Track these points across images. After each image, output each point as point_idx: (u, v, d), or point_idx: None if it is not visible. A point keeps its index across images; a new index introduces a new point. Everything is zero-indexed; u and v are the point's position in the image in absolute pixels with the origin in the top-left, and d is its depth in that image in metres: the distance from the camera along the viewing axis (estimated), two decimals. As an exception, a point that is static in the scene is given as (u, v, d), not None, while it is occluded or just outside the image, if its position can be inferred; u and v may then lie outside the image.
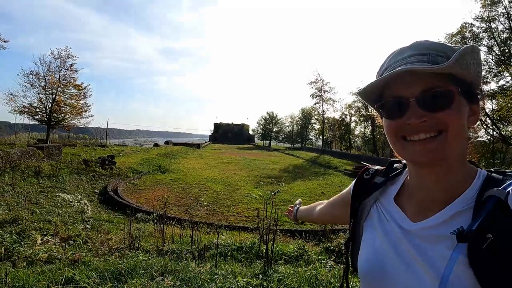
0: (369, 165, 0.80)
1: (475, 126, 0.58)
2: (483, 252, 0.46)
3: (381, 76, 0.59)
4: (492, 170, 0.58)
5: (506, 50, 18.39)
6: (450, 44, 0.56)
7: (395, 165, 0.73)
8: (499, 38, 18.34)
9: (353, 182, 0.80)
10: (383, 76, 0.55)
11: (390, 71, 0.56)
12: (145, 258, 3.09)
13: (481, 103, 0.58)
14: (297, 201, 1.33)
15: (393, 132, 0.57)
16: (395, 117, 0.56)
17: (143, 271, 2.66)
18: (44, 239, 3.76)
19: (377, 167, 0.77)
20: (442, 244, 0.52)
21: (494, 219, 0.47)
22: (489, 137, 18.30)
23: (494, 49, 18.78)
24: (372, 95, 0.61)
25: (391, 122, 0.57)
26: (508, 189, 0.49)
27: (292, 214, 1.24)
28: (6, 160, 10.07)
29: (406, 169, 0.69)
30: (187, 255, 3.69)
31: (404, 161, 0.71)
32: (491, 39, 18.62)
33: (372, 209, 0.68)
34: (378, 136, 34.54)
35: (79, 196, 5.98)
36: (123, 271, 2.57)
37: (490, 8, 17.69)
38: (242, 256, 3.90)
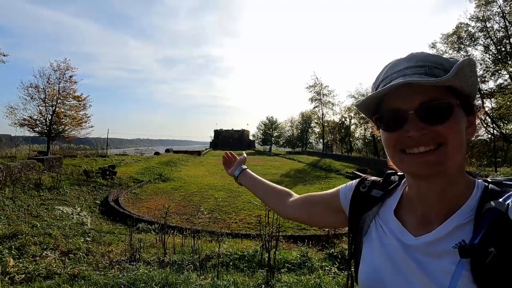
0: (364, 175, 0.78)
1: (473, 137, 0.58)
2: (487, 266, 0.45)
3: (377, 87, 0.59)
4: (489, 180, 0.58)
5: (503, 49, 18.48)
6: (445, 56, 0.56)
7: (392, 177, 0.72)
8: (495, 37, 18.45)
9: (340, 188, 0.79)
10: (382, 88, 0.54)
11: (387, 83, 0.56)
12: (145, 270, 3.04)
13: (478, 114, 0.58)
14: (243, 156, 1.16)
15: (391, 145, 0.57)
16: (393, 130, 0.56)
17: (143, 285, 2.62)
18: (44, 253, 3.72)
19: (373, 178, 0.75)
20: (445, 258, 0.51)
21: (496, 232, 0.47)
22: (489, 135, 18.26)
23: (491, 48, 18.88)
24: (370, 107, 0.60)
25: (390, 135, 0.57)
26: (508, 201, 0.48)
27: (233, 170, 1.10)
28: (7, 173, 10.06)
29: (403, 180, 0.67)
30: (188, 266, 3.63)
31: (400, 173, 0.70)
32: (487, 38, 18.73)
33: (372, 224, 0.66)
34: (378, 138, 34.44)
35: (79, 208, 5.95)
36: (123, 286, 2.52)
37: (485, 8, 17.83)
38: (244, 265, 3.84)
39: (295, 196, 0.93)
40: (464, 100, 0.54)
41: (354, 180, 0.78)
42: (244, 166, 1.11)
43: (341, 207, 0.76)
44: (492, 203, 0.50)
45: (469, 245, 0.47)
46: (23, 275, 2.82)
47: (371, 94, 0.57)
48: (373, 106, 0.60)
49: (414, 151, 0.53)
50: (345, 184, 0.79)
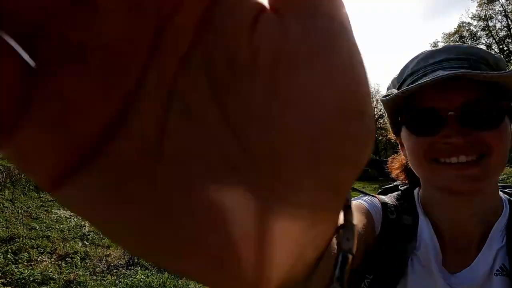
0: (379, 196, 0.57)
1: None
2: None
3: (402, 82, 0.50)
4: (507, 191, 0.52)
5: (505, 48, 18.40)
6: (488, 51, 0.49)
7: (410, 196, 0.57)
8: (497, 36, 18.40)
9: (367, 207, 0.52)
10: (422, 81, 0.43)
11: (419, 76, 0.46)
12: (143, 276, 2.98)
13: None
14: None
15: (421, 152, 0.46)
16: (426, 133, 0.45)
17: (140, 291, 2.55)
18: (40, 257, 3.66)
19: (390, 201, 0.56)
20: None
21: None
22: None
23: (493, 47, 18.79)
24: (395, 105, 0.49)
25: (420, 139, 0.46)
26: None
27: None
28: (7, 174, 10.03)
29: (416, 194, 0.55)
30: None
31: (404, 187, 0.58)
32: (489, 37, 18.68)
33: (409, 260, 0.51)
34: (380, 138, 34.39)
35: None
36: (119, 293, 2.46)
37: (487, 7, 17.78)
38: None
39: None
40: None
41: (374, 201, 0.54)
42: None
43: (373, 233, 0.52)
44: None
45: None
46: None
47: (406, 88, 0.45)
48: (399, 104, 0.49)
49: (452, 160, 0.43)
50: (370, 203, 0.53)
